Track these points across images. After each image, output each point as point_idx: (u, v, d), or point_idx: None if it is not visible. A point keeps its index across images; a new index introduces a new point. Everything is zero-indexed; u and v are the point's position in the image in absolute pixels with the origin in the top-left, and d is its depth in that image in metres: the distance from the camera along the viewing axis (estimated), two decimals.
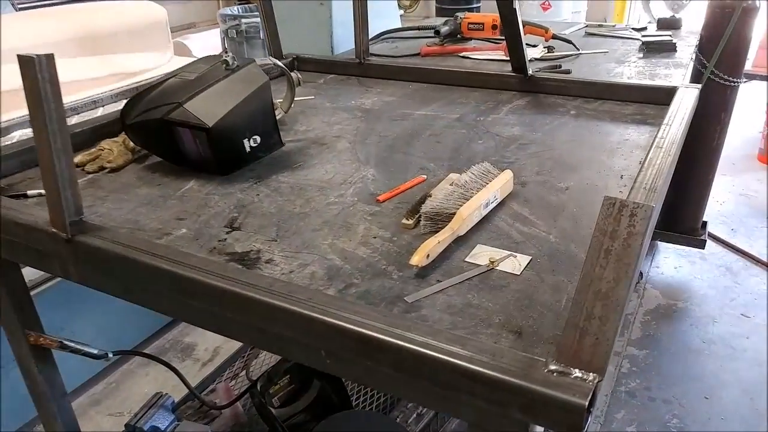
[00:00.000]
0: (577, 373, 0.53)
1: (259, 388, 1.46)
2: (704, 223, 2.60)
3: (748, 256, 2.69)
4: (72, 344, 1.15)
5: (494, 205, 0.93)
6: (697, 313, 2.38)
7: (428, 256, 0.77)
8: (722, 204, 3.18)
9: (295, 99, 1.50)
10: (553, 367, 0.54)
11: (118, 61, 2.30)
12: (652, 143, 0.99)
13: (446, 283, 0.74)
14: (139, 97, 1.05)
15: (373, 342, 0.59)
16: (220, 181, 1.06)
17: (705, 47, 2.22)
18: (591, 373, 0.53)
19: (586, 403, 0.50)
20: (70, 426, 1.24)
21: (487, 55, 1.97)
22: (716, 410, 1.91)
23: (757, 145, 3.73)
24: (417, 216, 0.89)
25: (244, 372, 1.66)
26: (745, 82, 2.34)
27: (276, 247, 0.84)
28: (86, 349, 1.22)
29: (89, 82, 2.18)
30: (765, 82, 3.12)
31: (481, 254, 0.80)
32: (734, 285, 2.53)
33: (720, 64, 2.21)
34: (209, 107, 1.02)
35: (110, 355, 1.25)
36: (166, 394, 1.30)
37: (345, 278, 0.76)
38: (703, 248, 2.59)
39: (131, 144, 1.13)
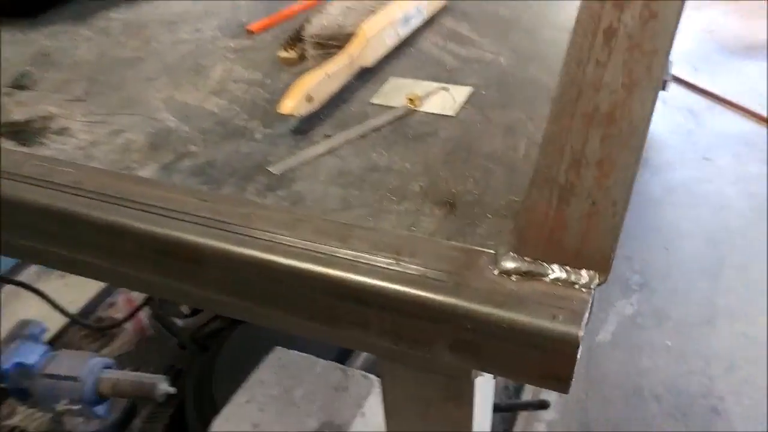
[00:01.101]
0: (556, 271, 0.28)
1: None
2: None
3: (712, 95, 2.49)
4: None
5: (418, 23, 0.63)
6: (656, 160, 2.21)
7: (310, 99, 0.49)
8: (683, 42, 2.92)
9: None
10: (509, 265, 0.29)
11: None
12: None
13: (338, 139, 0.47)
14: None
15: (181, 250, 0.32)
16: (23, 26, 0.72)
17: None
18: (583, 271, 0.28)
19: (580, 332, 0.25)
20: None
21: None
22: (675, 260, 1.79)
23: None
24: (302, 44, 0.59)
25: None
26: None
27: (80, 109, 0.54)
28: None
29: None
30: None
31: (396, 91, 0.52)
32: (696, 128, 2.35)
33: None
34: None
35: None
36: (35, 321, 1.04)
37: (178, 146, 0.47)
38: (666, 90, 2.37)
39: None
